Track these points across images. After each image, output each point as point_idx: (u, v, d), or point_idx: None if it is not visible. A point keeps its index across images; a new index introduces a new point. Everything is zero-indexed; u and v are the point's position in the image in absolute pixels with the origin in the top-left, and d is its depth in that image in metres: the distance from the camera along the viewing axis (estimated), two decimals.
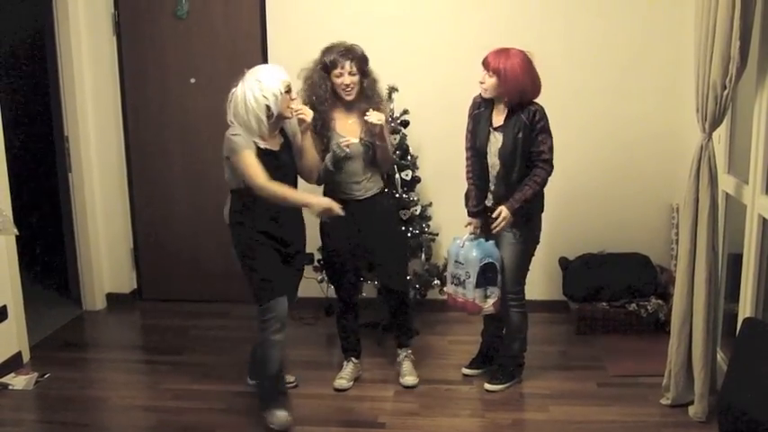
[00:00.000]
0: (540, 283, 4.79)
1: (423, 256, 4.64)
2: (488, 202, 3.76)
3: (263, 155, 3.38)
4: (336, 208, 3.35)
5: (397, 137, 4.53)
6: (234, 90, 3.36)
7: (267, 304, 3.50)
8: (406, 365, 4.07)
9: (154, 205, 5.26)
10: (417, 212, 4.58)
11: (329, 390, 3.94)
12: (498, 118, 3.69)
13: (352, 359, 4.07)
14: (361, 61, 3.72)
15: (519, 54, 3.58)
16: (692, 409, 3.59)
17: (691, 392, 3.61)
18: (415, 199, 4.60)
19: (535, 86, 3.62)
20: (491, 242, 3.79)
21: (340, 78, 3.69)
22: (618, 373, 4.10)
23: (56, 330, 4.88)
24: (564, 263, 4.82)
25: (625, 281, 4.65)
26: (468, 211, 3.90)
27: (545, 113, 3.64)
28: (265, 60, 4.95)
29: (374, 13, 4.79)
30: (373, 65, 4.83)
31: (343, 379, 3.98)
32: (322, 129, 3.74)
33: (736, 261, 3.71)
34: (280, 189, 3.35)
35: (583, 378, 4.05)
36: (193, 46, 5.01)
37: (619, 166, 4.82)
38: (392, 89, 4.48)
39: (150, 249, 5.34)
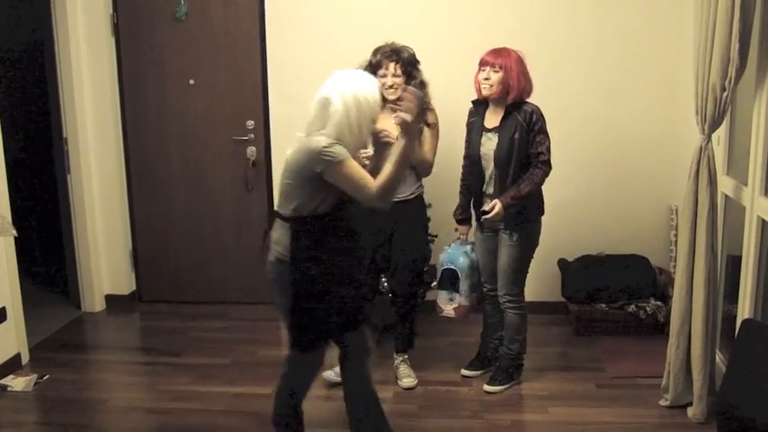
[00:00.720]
0: (539, 284, 4.79)
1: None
2: (484, 208, 3.77)
3: None
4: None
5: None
6: (327, 95, 2.83)
7: (310, 353, 3.08)
8: (403, 368, 4.07)
9: (153, 207, 5.26)
10: None
11: (328, 391, 3.94)
12: (493, 119, 3.73)
13: None
14: (407, 63, 3.77)
15: (515, 52, 3.67)
16: (690, 411, 3.59)
17: (689, 393, 3.61)
18: None
19: (530, 85, 3.68)
20: (463, 250, 3.98)
21: (384, 78, 3.73)
22: (617, 374, 4.10)
23: (55, 332, 4.88)
24: (563, 264, 4.82)
25: (624, 282, 4.65)
26: (455, 219, 4.05)
27: (542, 114, 3.68)
28: (264, 62, 4.95)
29: (373, 15, 4.79)
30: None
31: (332, 371, 3.91)
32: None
33: (735, 263, 3.72)
34: (387, 176, 2.84)
35: (582, 379, 4.06)
36: (192, 48, 5.00)
37: (618, 167, 4.82)
38: None
39: (149, 251, 5.34)
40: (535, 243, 3.84)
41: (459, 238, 4.06)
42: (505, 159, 3.66)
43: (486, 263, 3.94)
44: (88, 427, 3.72)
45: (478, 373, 4.11)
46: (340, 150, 2.78)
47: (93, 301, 5.22)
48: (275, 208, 3.02)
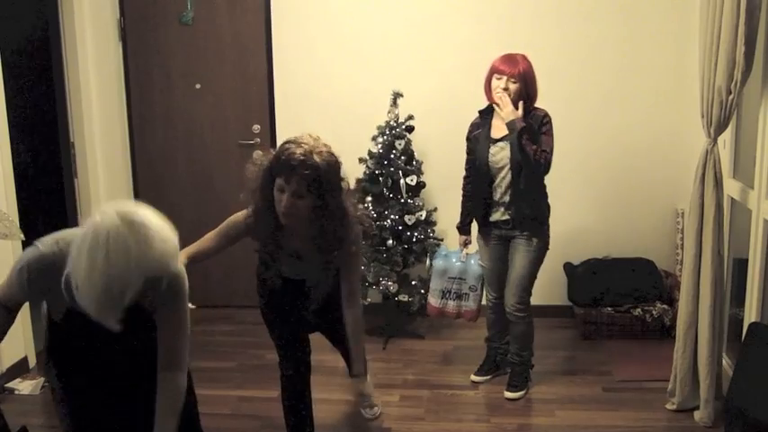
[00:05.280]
0: (546, 288, 4.78)
1: (428, 261, 4.64)
2: (494, 217, 3.79)
3: None
4: None
5: (402, 142, 4.55)
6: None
7: None
8: (366, 398, 3.52)
9: (159, 210, 5.23)
10: (422, 217, 4.59)
11: (335, 395, 3.93)
12: (502, 128, 3.66)
13: None
14: (316, 181, 2.58)
15: (526, 58, 3.66)
16: (697, 414, 3.58)
17: (696, 397, 3.60)
18: (420, 204, 4.60)
19: (537, 88, 3.71)
20: (472, 259, 4.15)
21: (280, 194, 2.65)
22: (623, 377, 4.09)
23: None
24: (569, 268, 4.81)
25: (630, 286, 4.64)
26: (461, 229, 4.07)
27: (551, 119, 3.68)
28: (270, 67, 4.96)
29: (379, 19, 4.81)
30: (379, 70, 4.87)
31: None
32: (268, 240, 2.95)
33: (741, 266, 3.71)
34: None
35: (588, 383, 4.05)
36: (198, 52, 5.02)
37: (623, 170, 4.82)
38: (397, 95, 4.51)
39: None
40: (548, 245, 3.83)
41: (464, 248, 4.11)
42: (519, 165, 3.63)
43: (495, 271, 3.92)
44: None
45: (488, 378, 4.10)
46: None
47: None
48: None
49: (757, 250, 3.45)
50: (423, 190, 4.66)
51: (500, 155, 3.68)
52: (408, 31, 4.80)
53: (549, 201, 3.82)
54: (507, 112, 3.57)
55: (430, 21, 4.79)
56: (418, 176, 4.60)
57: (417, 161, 4.64)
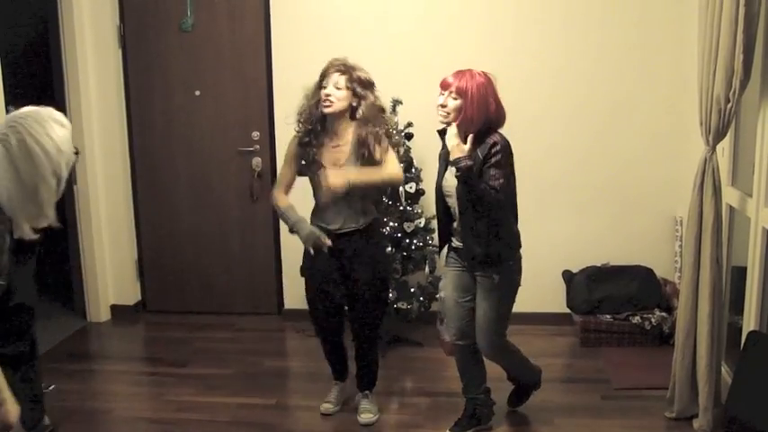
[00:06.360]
0: (544, 295, 4.79)
1: (426, 268, 4.64)
2: (455, 244, 3.41)
3: None
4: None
5: (402, 149, 4.55)
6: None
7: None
8: (364, 403, 3.80)
9: (159, 217, 5.27)
10: (421, 225, 4.59)
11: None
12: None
13: (338, 382, 3.91)
14: (354, 80, 3.44)
15: (482, 75, 3.20)
16: (696, 422, 3.58)
17: (695, 405, 3.60)
18: (419, 211, 4.61)
19: (500, 111, 3.22)
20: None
21: (324, 89, 3.43)
22: (622, 385, 4.09)
23: (60, 342, 4.88)
24: (567, 275, 4.81)
25: (629, 293, 4.64)
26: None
27: (506, 148, 3.17)
28: (269, 74, 4.97)
29: (379, 27, 4.82)
30: (378, 78, 4.85)
31: (328, 403, 3.86)
32: (310, 160, 3.54)
33: (740, 274, 3.71)
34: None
35: (587, 391, 4.05)
36: (198, 59, 5.03)
37: (622, 178, 4.82)
38: (396, 102, 4.52)
39: (155, 261, 5.35)
40: (517, 282, 3.36)
41: None
42: (465, 198, 3.18)
43: (453, 304, 3.49)
44: None
45: None
46: None
47: (99, 311, 5.23)
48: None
49: (756, 258, 3.45)
50: (422, 197, 4.66)
51: (452, 181, 3.23)
52: (408, 38, 4.81)
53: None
54: (452, 147, 3.14)
55: (430, 28, 4.80)
56: (417, 184, 4.60)
57: (416, 168, 4.64)
